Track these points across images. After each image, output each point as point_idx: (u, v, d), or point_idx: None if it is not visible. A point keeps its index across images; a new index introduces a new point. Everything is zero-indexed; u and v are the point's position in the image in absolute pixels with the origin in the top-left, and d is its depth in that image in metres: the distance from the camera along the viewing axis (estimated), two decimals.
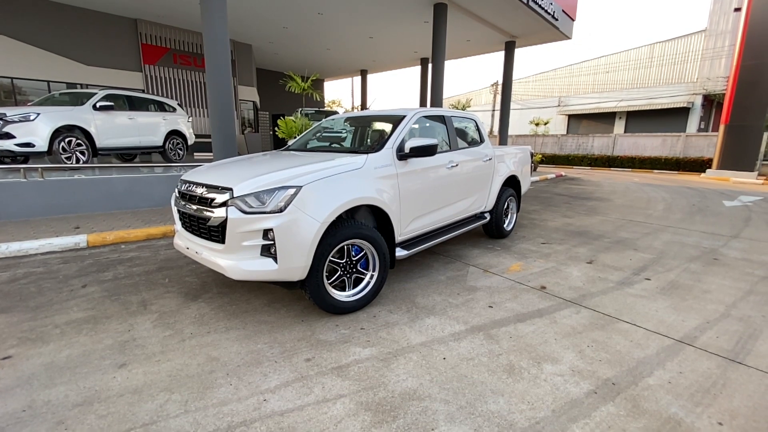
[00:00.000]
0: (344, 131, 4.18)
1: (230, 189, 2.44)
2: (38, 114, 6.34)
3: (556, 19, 13.39)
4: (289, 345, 2.39)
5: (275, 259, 2.39)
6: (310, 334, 2.53)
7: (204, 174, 2.87)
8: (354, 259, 2.81)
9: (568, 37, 15.10)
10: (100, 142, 7.34)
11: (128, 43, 13.06)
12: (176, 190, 2.92)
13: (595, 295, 3.24)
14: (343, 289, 2.82)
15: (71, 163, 6.75)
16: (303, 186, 2.44)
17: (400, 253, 3.19)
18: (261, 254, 2.44)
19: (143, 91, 9.81)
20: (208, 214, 2.52)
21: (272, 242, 2.37)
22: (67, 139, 6.73)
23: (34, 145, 6.27)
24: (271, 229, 2.34)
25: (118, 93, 8.04)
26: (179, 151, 9.47)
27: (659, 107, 24.72)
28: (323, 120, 4.27)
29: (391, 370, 2.15)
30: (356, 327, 2.63)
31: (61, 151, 6.64)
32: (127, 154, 9.51)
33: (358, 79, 23.13)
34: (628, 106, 26.14)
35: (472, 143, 4.41)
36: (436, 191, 3.57)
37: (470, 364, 2.21)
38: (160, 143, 8.89)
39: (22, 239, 4.35)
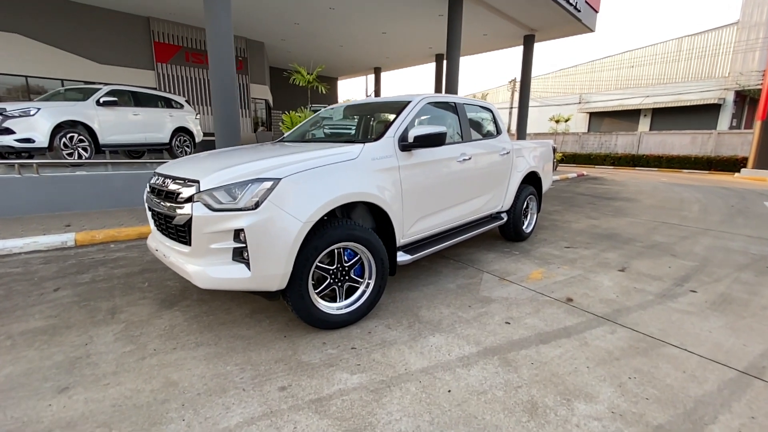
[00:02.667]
0: (344, 121, 3.79)
1: (197, 182, 2.07)
2: (39, 109, 6.20)
3: (579, 11, 12.70)
4: (264, 368, 2.01)
5: (248, 265, 2.02)
6: (291, 353, 2.14)
7: (177, 166, 2.52)
8: (346, 265, 2.41)
9: (591, 30, 14.35)
10: (103, 139, 7.17)
11: (141, 42, 13.05)
12: (147, 185, 2.58)
13: (633, 311, 2.74)
14: (334, 300, 2.42)
15: (73, 160, 6.59)
16: (282, 179, 2.05)
17: (402, 258, 2.78)
18: (233, 259, 2.07)
19: (155, 90, 9.65)
20: (175, 211, 2.16)
21: (245, 245, 1.99)
22: (68, 135, 6.57)
23: (34, 141, 6.12)
24: (243, 230, 1.97)
25: (123, 89, 7.89)
26: (186, 148, 9.28)
27: (687, 104, 23.47)
28: (322, 110, 3.89)
29: (383, 405, 1.73)
30: (346, 346, 2.23)
31: (62, 147, 6.49)
32: (134, 151, 9.38)
33: (372, 77, 22.78)
34: (654, 103, 24.93)
35: (488, 135, 3.96)
36: (446, 188, 3.14)
37: (481, 400, 1.77)
38: (167, 140, 8.71)
39: (7, 237, 4.13)
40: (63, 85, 11.55)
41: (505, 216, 4.13)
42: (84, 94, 7.24)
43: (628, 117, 26.61)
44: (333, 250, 2.33)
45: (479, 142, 3.65)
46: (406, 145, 2.72)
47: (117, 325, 2.46)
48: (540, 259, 3.91)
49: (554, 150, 5.19)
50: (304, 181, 2.13)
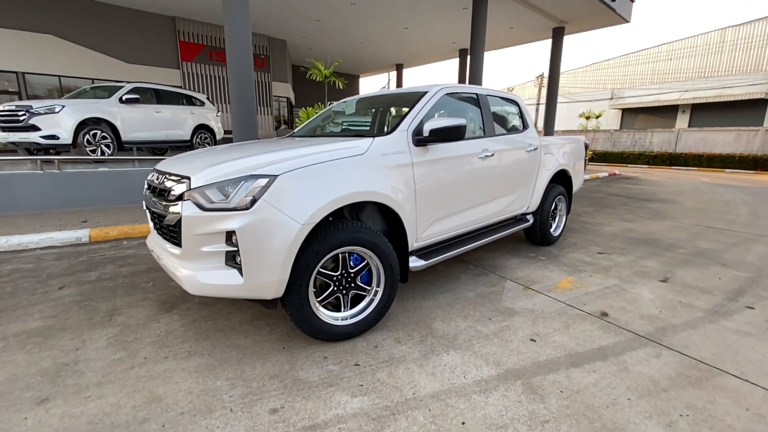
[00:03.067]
0: (357, 115, 3.56)
1: (188, 178, 1.90)
2: (63, 106, 6.31)
3: (614, 0, 11.96)
4: (257, 384, 1.82)
5: (241, 271, 1.83)
6: (288, 368, 1.94)
7: (175, 161, 2.37)
8: (352, 271, 2.19)
9: (626, 21, 13.53)
10: (125, 136, 7.27)
11: (167, 41, 13.31)
12: (146, 182, 2.44)
13: (680, 330, 2.39)
14: (338, 309, 2.21)
15: (96, 156, 6.69)
16: (278, 175, 1.85)
17: (415, 263, 2.54)
18: (225, 264, 1.89)
19: (178, 88, 9.78)
20: (167, 209, 2.00)
21: (237, 249, 1.80)
22: (92, 132, 6.68)
23: (58, 138, 6.24)
24: (234, 232, 1.78)
25: (146, 86, 7.98)
26: (207, 145, 9.33)
27: (731, 99, 21.88)
28: (334, 103, 3.69)
29: None
30: (349, 362, 2.01)
31: (85, 143, 6.59)
32: (157, 148, 9.52)
33: (393, 74, 22.49)
34: (694, 98, 23.40)
35: (513, 130, 3.64)
36: (465, 187, 2.86)
37: None
38: (188, 137, 8.78)
39: (26, 232, 4.16)
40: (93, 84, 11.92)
41: (531, 218, 3.81)
42: (108, 92, 7.35)
43: (664, 113, 25.13)
44: (337, 255, 2.12)
45: (503, 137, 3.35)
46: (421, 139, 2.47)
47: (113, 328, 2.34)
48: (570, 265, 3.56)
49: (586, 147, 4.79)
50: (304, 179, 1.92)
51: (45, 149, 6.43)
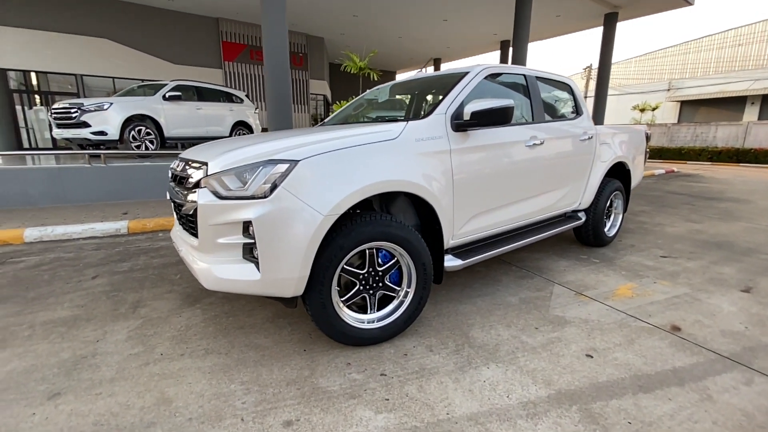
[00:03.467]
0: (392, 102, 3.32)
1: (205, 164, 1.76)
2: (111, 104, 6.61)
3: None
4: (272, 391, 1.64)
5: (258, 265, 1.66)
6: (307, 374, 1.76)
7: (199, 149, 2.26)
8: (380, 269, 1.97)
9: (688, 3, 12.30)
10: (168, 132, 7.52)
11: (210, 42, 13.78)
12: (169, 170, 2.36)
13: None
14: (364, 310, 2.00)
15: (140, 151, 6.96)
16: (299, 161, 1.66)
17: (451, 263, 2.27)
18: (243, 257, 1.73)
19: (217, 85, 10.04)
20: (186, 198, 1.88)
21: (254, 241, 1.64)
22: (137, 128, 6.95)
23: (106, 134, 6.54)
24: (251, 223, 1.61)
25: (188, 84, 8.23)
26: None
27: None
28: (367, 91, 3.48)
29: None
30: (375, 371, 1.79)
31: (131, 139, 6.87)
32: (197, 144, 9.83)
33: (431, 70, 22.05)
34: (765, 89, 21.00)
35: (565, 116, 3.26)
36: (509, 178, 2.55)
37: None
38: (227, 133, 8.97)
39: (70, 223, 4.32)
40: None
41: (582, 216, 3.40)
42: (153, 90, 7.64)
43: (730, 105, 22.80)
44: (364, 251, 1.91)
45: (554, 124, 2.98)
46: (460, 123, 2.20)
47: (135, 320, 2.28)
48: (628, 270, 3.13)
49: (647, 137, 4.26)
50: (328, 165, 1.72)
51: (95, 145, 6.76)
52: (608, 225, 3.78)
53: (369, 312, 1.99)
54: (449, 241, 2.30)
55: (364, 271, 1.93)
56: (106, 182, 5.48)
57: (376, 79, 10.76)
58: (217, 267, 1.73)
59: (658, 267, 3.22)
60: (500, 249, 2.57)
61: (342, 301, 1.91)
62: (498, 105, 2.10)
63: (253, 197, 1.62)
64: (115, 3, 11.66)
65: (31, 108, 12.04)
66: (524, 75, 2.83)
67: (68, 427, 1.43)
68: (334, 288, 1.83)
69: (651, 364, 1.85)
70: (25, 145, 12.06)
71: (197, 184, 1.76)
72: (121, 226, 4.33)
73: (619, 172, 3.83)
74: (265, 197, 1.61)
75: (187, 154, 2.19)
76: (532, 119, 2.81)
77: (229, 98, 9.18)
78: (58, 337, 2.09)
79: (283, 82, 6.19)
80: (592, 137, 3.27)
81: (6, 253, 3.61)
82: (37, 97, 12.27)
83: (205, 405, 1.55)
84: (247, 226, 1.65)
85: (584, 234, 3.57)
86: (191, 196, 1.78)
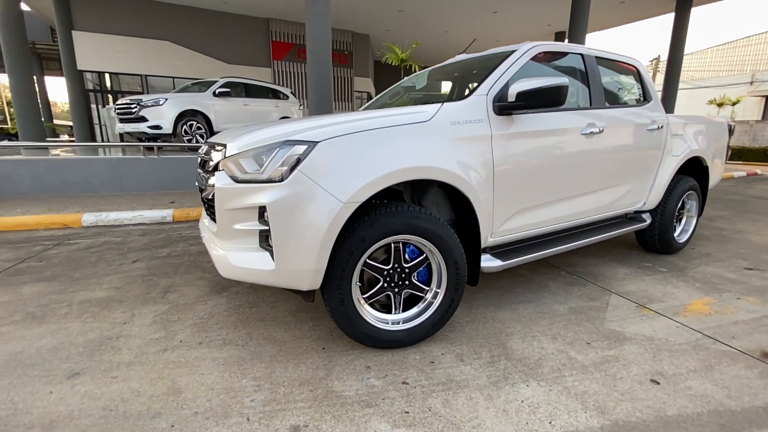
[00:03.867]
0: (431, 88, 3.10)
1: (224, 146, 1.68)
2: (166, 99, 6.99)
3: None
4: (284, 390, 1.52)
5: (273, 254, 1.55)
6: (322, 375, 1.62)
7: (227, 132, 2.21)
8: (407, 265, 1.78)
9: None
10: (217, 126, 7.83)
11: (261, 42, 14.28)
12: (197, 156, 2.34)
13: None
14: (389, 310, 1.83)
15: (192, 144, 7.31)
16: (318, 142, 1.52)
17: (489, 263, 2.03)
18: (260, 245, 1.63)
19: (264, 82, 10.36)
20: (207, 182, 1.82)
21: (269, 228, 1.52)
22: (189, 123, 7.30)
23: (161, 128, 6.93)
24: (266, 208, 1.50)
25: (236, 81, 8.53)
26: None
27: None
28: (404, 79, 3.29)
29: None
30: (396, 377, 1.61)
31: (183, 133, 7.23)
32: None
33: None
34: None
35: (630, 102, 2.85)
36: (561, 170, 2.25)
37: None
38: None
39: (123, 210, 4.58)
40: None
41: (647, 217, 2.97)
42: (205, 87, 8.00)
43: None
44: (389, 245, 1.73)
45: (616, 110, 2.61)
46: (504, 106, 1.94)
47: (163, 305, 2.29)
48: (704, 282, 2.68)
49: (730, 130, 3.67)
50: (350, 148, 1.56)
51: (151, 138, 7.20)
52: (679, 229, 3.29)
53: (394, 312, 1.82)
54: (487, 239, 2.05)
55: (389, 266, 1.75)
56: (158, 173, 5.78)
57: (418, 72, 10.52)
58: (233, 254, 1.64)
59: (743, 280, 2.72)
60: (547, 251, 2.28)
61: (364, 299, 1.75)
62: (549, 84, 1.83)
63: (269, 181, 1.51)
64: (175, 7, 12.44)
65: (104, 106, 13.20)
66: (582, 55, 2.50)
67: (79, 410, 1.41)
68: (355, 283, 1.67)
69: (736, 398, 1.50)
70: (98, 140, 13.25)
71: (216, 167, 1.69)
72: (167, 214, 4.51)
73: (693, 169, 3.32)
74: (281, 181, 1.49)
75: (214, 137, 2.14)
76: (590, 104, 2.47)
77: (275, 95, 9.41)
78: (90, 317, 2.13)
79: (324, 78, 6.23)
80: (661, 127, 2.84)
81: (64, 235, 3.88)
82: (109, 96, 13.45)
83: (214, 399, 1.47)
84: (262, 211, 1.54)
85: (649, 239, 3.13)
86: (211, 180, 1.71)
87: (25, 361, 1.71)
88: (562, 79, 1.84)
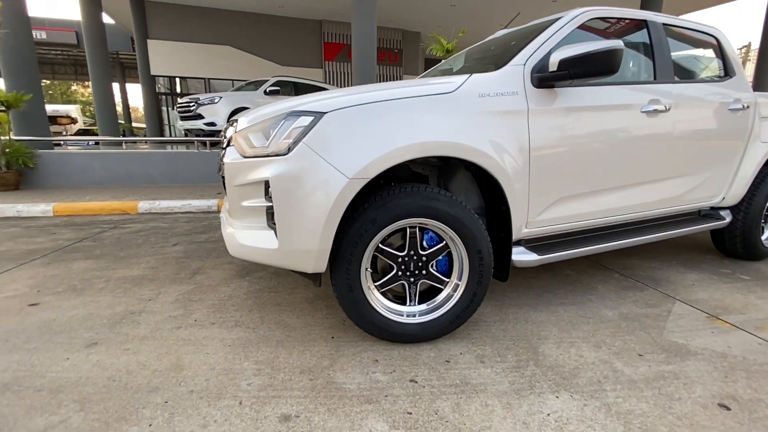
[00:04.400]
0: (469, 68, 2.87)
1: (236, 121, 1.64)
2: (220, 98, 7.39)
3: None
4: (283, 377, 1.43)
5: (276, 232, 1.47)
6: (326, 364, 1.51)
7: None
8: (424, 253, 1.62)
9: None
10: None
11: (313, 43, 14.70)
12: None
13: None
14: (404, 301, 1.67)
15: None
16: (326, 113, 1.41)
17: (522, 257, 1.80)
18: (267, 223, 1.56)
19: (316, 81, 10.63)
20: (222, 159, 1.80)
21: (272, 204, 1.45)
22: None
23: (216, 124, 7.34)
24: (269, 183, 1.42)
25: (286, 80, 8.81)
26: None
27: None
28: (441, 62, 3.10)
29: None
30: (405, 374, 1.45)
31: None
32: None
33: None
34: None
35: (706, 77, 2.42)
36: (614, 154, 1.94)
37: None
38: None
39: (174, 199, 4.87)
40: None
41: (727, 215, 2.51)
42: (257, 86, 8.36)
43: None
44: (404, 229, 1.58)
45: (688, 86, 2.22)
46: (545, 77, 1.70)
47: (188, 285, 2.33)
48: None
49: None
50: (360, 120, 1.43)
51: (208, 134, 7.66)
52: (767, 232, 2.75)
53: (409, 304, 1.66)
54: (522, 230, 1.82)
55: (404, 253, 1.60)
56: (209, 166, 6.11)
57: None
58: (240, 232, 1.60)
59: None
60: (594, 246, 1.98)
61: (376, 287, 1.61)
62: (598, 48, 1.56)
63: (274, 154, 1.43)
64: (236, 13, 13.21)
65: (172, 108, 14.40)
66: (645, 21, 2.15)
67: (86, 377, 1.43)
68: (365, 269, 1.54)
69: None
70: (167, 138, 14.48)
71: (229, 143, 1.65)
72: (213, 203, 4.73)
73: None
74: (285, 154, 1.40)
75: (237, 114, 2.13)
76: (655, 77, 2.11)
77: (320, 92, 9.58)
78: (122, 293, 2.22)
79: (368, 74, 6.25)
80: (747, 107, 2.37)
81: (121, 220, 4.19)
82: (177, 98, 14.64)
83: (212, 379, 1.42)
84: (267, 187, 1.47)
85: (729, 240, 2.64)
86: (225, 157, 1.68)
87: (55, 328, 1.80)
88: (616, 42, 1.56)
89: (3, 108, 5.36)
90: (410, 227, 1.58)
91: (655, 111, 2.01)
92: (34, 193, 5.29)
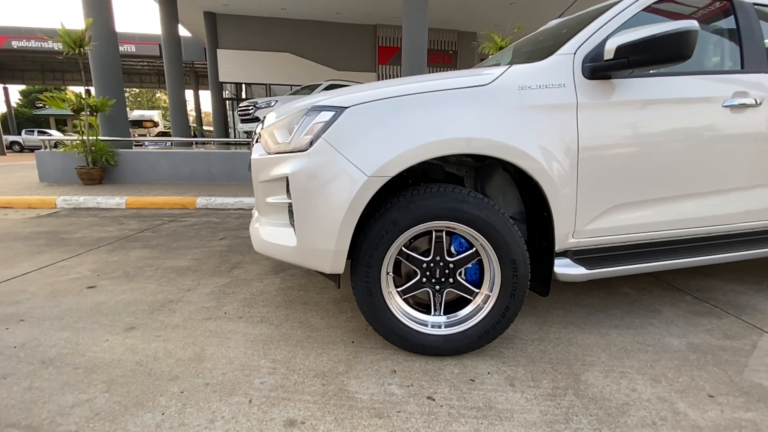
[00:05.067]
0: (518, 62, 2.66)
1: (264, 117, 1.65)
2: (276, 101, 7.75)
3: None
4: (296, 378, 1.39)
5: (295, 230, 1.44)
6: (342, 370, 1.45)
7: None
8: (451, 260, 1.49)
9: None
10: None
11: (368, 48, 14.95)
12: None
13: None
14: (427, 310, 1.56)
15: None
16: (347, 108, 1.35)
17: (567, 269, 1.60)
18: (289, 220, 1.54)
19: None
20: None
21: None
22: None
23: None
24: (288, 179, 1.40)
25: (338, 82, 9.03)
26: None
27: None
28: (489, 57, 2.91)
29: None
30: (423, 390, 1.34)
31: None
32: None
33: None
34: None
35: None
36: (687, 155, 1.66)
37: None
38: None
39: (229, 196, 5.17)
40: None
41: None
42: (311, 90, 8.66)
43: None
44: (430, 233, 1.47)
45: None
46: (599, 67, 1.50)
47: (226, 278, 2.41)
48: None
49: None
50: (383, 115, 1.35)
51: None
52: None
53: (433, 313, 1.54)
54: (567, 239, 1.62)
55: (429, 258, 1.49)
56: None
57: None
58: (264, 229, 1.59)
59: None
60: (660, 263, 1.71)
61: (398, 292, 1.52)
62: (665, 30, 1.33)
63: (293, 151, 1.40)
64: (295, 21, 13.85)
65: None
66: (731, 1, 1.82)
67: (118, 360, 1.50)
68: (385, 273, 1.46)
69: None
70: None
71: (257, 140, 1.66)
72: None
73: None
74: (305, 150, 1.37)
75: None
76: (742, 66, 1.78)
77: None
78: (166, 282, 2.35)
79: (418, 74, 6.19)
80: None
81: (180, 214, 4.52)
82: (239, 103, 15.71)
83: (228, 374, 1.42)
84: (288, 183, 1.45)
85: None
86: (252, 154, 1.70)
87: (103, 311, 1.94)
88: (688, 23, 1.32)
89: (92, 112, 6.08)
90: (437, 231, 1.47)
91: (742, 105, 1.69)
92: (113, 187, 5.92)
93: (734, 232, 1.93)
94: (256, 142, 1.67)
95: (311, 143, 1.36)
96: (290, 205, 1.50)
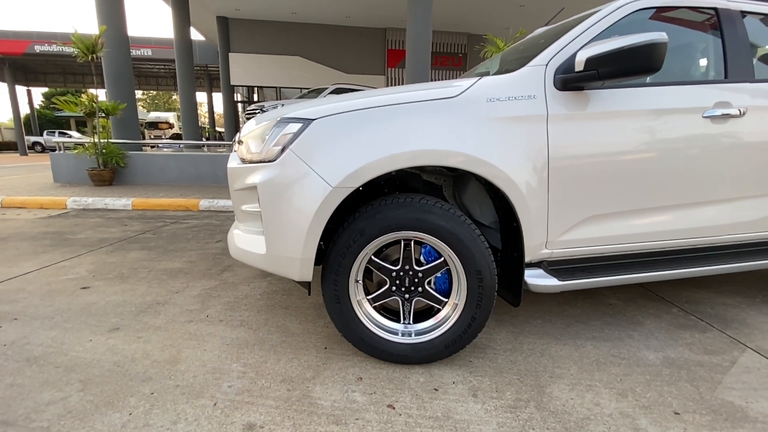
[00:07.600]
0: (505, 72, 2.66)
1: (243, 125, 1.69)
2: (283, 105, 7.84)
3: None
4: (263, 383, 1.43)
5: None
6: (309, 376, 1.48)
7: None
8: (420, 269, 1.51)
9: None
10: None
11: (377, 51, 15.03)
12: None
13: None
14: (397, 318, 1.58)
15: None
16: (314, 120, 1.39)
17: (539, 280, 1.59)
18: (262, 228, 1.58)
19: (371, 87, 10.85)
20: None
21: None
22: None
23: None
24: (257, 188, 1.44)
25: (345, 86, 9.10)
26: None
27: None
28: (479, 65, 2.91)
29: None
30: (384, 398, 1.36)
31: None
32: None
33: None
34: None
35: None
36: (662, 167, 1.64)
37: None
38: None
39: (230, 199, 5.26)
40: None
41: None
42: (317, 93, 8.76)
43: None
44: (399, 242, 1.49)
45: None
46: (570, 78, 1.50)
47: (214, 281, 2.47)
48: None
49: None
50: (349, 126, 1.38)
51: None
52: None
53: (402, 321, 1.56)
54: (540, 250, 1.61)
55: (398, 267, 1.51)
56: None
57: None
58: (239, 236, 1.64)
59: None
60: (638, 275, 1.69)
61: (368, 301, 1.54)
62: (633, 42, 1.32)
63: (262, 161, 1.44)
64: (305, 25, 14.03)
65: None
66: (715, 7, 1.79)
67: (97, 360, 1.56)
68: (353, 281, 1.48)
69: None
70: None
71: (235, 149, 1.71)
72: None
73: None
74: (273, 161, 1.41)
75: None
76: (725, 75, 1.75)
77: None
78: (157, 283, 2.43)
79: (422, 78, 6.22)
80: None
81: (182, 215, 4.63)
82: (247, 106, 15.96)
83: (198, 377, 1.46)
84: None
85: None
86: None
87: (92, 311, 2.01)
88: (656, 35, 1.32)
89: (104, 115, 6.28)
90: (405, 240, 1.49)
91: (725, 116, 1.67)
92: (122, 188, 6.09)
93: (720, 244, 1.89)
94: (234, 151, 1.72)
95: (279, 154, 1.40)
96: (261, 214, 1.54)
